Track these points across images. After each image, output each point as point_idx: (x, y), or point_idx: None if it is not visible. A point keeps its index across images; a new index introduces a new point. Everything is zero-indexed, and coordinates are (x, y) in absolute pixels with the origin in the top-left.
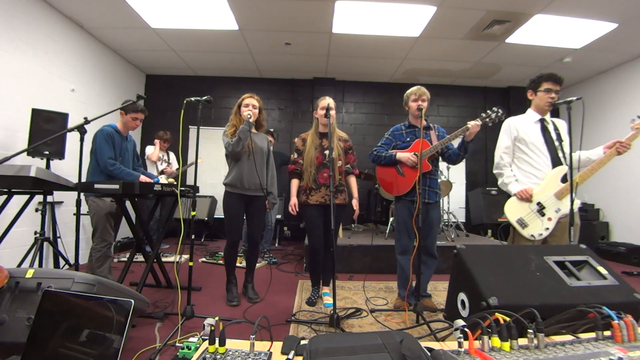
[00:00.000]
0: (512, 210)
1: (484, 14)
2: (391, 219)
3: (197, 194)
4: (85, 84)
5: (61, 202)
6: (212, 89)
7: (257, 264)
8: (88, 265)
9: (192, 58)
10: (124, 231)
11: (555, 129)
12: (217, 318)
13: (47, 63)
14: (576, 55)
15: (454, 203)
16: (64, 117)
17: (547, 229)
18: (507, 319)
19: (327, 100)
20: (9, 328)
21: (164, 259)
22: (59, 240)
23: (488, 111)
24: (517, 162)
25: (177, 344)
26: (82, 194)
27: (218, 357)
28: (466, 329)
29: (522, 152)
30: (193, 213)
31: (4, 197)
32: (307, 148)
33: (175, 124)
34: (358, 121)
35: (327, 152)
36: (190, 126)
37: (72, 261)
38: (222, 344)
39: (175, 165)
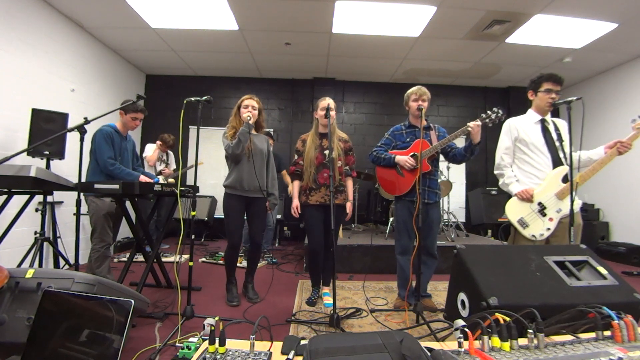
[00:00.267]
0: (513, 211)
1: (484, 14)
2: (391, 219)
3: (197, 194)
4: (85, 84)
5: (61, 202)
6: (212, 89)
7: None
8: (88, 265)
9: (192, 58)
10: (124, 231)
11: (556, 129)
12: (217, 318)
13: (47, 63)
14: (576, 55)
15: (454, 203)
16: (64, 117)
17: (549, 229)
18: (507, 319)
19: (327, 101)
20: (9, 328)
21: (164, 259)
22: (59, 240)
23: (488, 111)
24: (518, 162)
25: (177, 344)
26: (82, 194)
27: (218, 357)
28: (466, 329)
29: (523, 152)
30: (193, 213)
31: (4, 197)
32: (307, 148)
33: (175, 124)
34: (358, 121)
35: (327, 152)
36: (190, 126)
37: (72, 261)
38: (222, 344)
39: (173, 165)
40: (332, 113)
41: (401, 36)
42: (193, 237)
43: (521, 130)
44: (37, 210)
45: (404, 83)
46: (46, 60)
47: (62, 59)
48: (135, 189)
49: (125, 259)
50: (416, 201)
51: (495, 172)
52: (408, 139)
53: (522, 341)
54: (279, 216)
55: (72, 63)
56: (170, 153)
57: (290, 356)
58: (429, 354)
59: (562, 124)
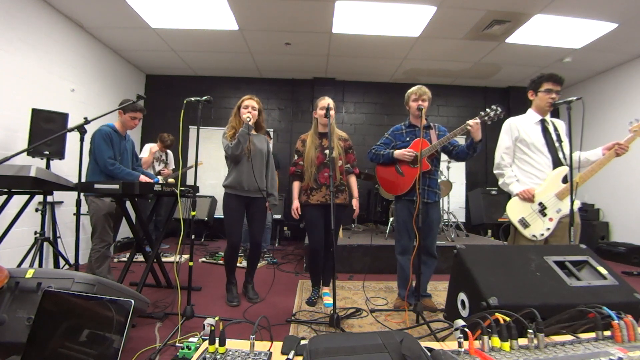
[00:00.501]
0: (514, 211)
1: (484, 14)
2: (391, 219)
3: (197, 194)
4: (85, 84)
5: (61, 202)
6: (212, 89)
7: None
8: (88, 265)
9: (192, 58)
10: (124, 231)
11: (555, 129)
12: (217, 318)
13: (47, 63)
14: (576, 55)
15: (454, 203)
16: (64, 117)
17: (548, 229)
18: (507, 319)
19: (327, 100)
20: (9, 328)
21: (164, 259)
22: (59, 240)
23: (487, 109)
24: (518, 162)
25: (177, 344)
26: (82, 194)
27: (218, 357)
28: (466, 329)
29: (523, 152)
30: (193, 213)
31: (4, 197)
32: (307, 148)
33: (175, 124)
34: (358, 121)
35: (327, 151)
36: (190, 126)
37: (72, 261)
38: (222, 344)
39: (172, 165)
40: (332, 112)
41: (401, 36)
42: (193, 237)
43: (522, 130)
44: (37, 210)
45: (404, 83)
46: (46, 60)
47: (62, 59)
48: (135, 189)
49: (125, 259)
50: (416, 201)
51: (495, 171)
52: (408, 139)
53: (522, 341)
54: (278, 216)
55: (72, 63)
56: (170, 153)
57: (290, 356)
58: (429, 354)
59: (560, 125)
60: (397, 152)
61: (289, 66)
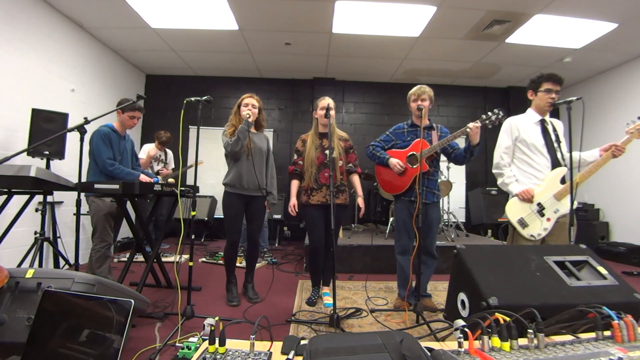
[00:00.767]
0: (513, 211)
1: (484, 14)
2: (391, 219)
3: (197, 194)
4: (85, 84)
5: (61, 202)
6: (212, 89)
7: (257, 264)
8: (88, 265)
9: (192, 58)
10: (124, 231)
11: (554, 130)
12: (217, 318)
13: (47, 63)
14: (576, 55)
15: (454, 203)
16: (64, 117)
17: (546, 229)
18: (507, 319)
19: (327, 101)
20: (9, 328)
21: (164, 259)
22: (59, 240)
23: (489, 112)
24: (517, 162)
25: (177, 344)
26: (82, 194)
27: (218, 357)
28: (466, 329)
29: (523, 152)
30: (193, 213)
31: (4, 197)
32: (307, 148)
33: (175, 124)
34: (358, 121)
35: (327, 152)
36: (190, 126)
37: (72, 261)
38: (222, 344)
39: (172, 165)
40: (332, 112)
41: (401, 36)
42: (193, 237)
43: (522, 130)
44: (37, 210)
45: (404, 83)
46: (46, 60)
47: (62, 59)
48: (135, 189)
49: (125, 259)
50: (415, 201)
51: (494, 171)
52: (409, 138)
53: (522, 341)
54: (279, 216)
55: (72, 63)
56: (169, 152)
57: (290, 356)
58: (429, 354)
59: (559, 125)
60: (391, 161)
61: (289, 66)
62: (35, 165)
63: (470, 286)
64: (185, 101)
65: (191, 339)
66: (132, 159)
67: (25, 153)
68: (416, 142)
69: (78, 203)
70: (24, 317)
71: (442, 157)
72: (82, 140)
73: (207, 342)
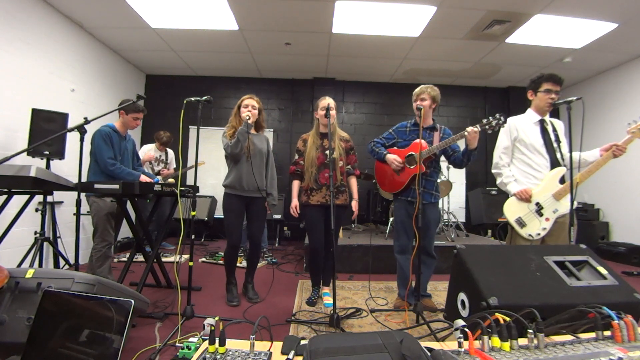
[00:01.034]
0: (511, 210)
1: (484, 14)
2: (391, 219)
3: (197, 194)
4: (85, 84)
5: (61, 202)
6: (212, 89)
7: (257, 264)
8: (88, 265)
9: (192, 58)
10: (124, 231)
11: (554, 130)
12: (217, 318)
13: (47, 63)
14: (576, 55)
15: (454, 203)
16: (64, 117)
17: (545, 228)
18: (507, 319)
19: (327, 100)
20: (9, 328)
21: (164, 259)
22: (59, 240)
23: (490, 117)
24: (516, 162)
25: (177, 344)
26: (83, 194)
27: (218, 357)
28: (466, 329)
29: (521, 152)
30: (193, 213)
31: (4, 197)
32: (307, 148)
33: (175, 124)
34: (358, 121)
35: (327, 152)
36: (190, 126)
37: (72, 261)
38: (222, 344)
39: (173, 165)
40: (333, 112)
41: (401, 36)
42: (193, 237)
43: (521, 130)
44: (37, 210)
45: (404, 83)
46: (46, 60)
47: (62, 59)
48: (135, 189)
49: (125, 259)
50: (412, 201)
51: (493, 171)
52: (410, 138)
53: (522, 341)
54: (278, 216)
55: (72, 63)
56: (170, 152)
57: (290, 356)
58: (429, 354)
59: (559, 125)
60: (389, 157)
61: (289, 66)
62: (35, 165)
63: (470, 286)
64: (185, 101)
65: (191, 339)
66: (133, 159)
67: (25, 153)
68: (416, 142)
69: (78, 203)
70: (24, 317)
71: (443, 157)
72: (82, 140)
73: (207, 342)
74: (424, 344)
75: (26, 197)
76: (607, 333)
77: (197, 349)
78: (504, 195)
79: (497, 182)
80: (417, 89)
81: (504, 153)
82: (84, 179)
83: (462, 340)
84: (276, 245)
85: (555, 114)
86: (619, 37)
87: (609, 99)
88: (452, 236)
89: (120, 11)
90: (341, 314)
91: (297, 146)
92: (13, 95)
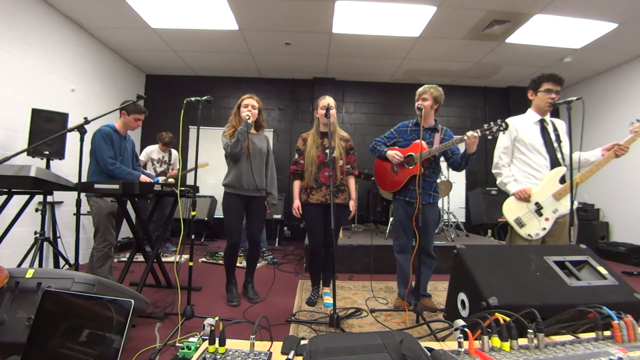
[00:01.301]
0: (510, 210)
1: (484, 14)
2: (391, 219)
3: (197, 194)
4: (85, 84)
5: (61, 202)
6: (212, 89)
7: (257, 264)
8: (88, 265)
9: (192, 58)
10: (124, 231)
11: (555, 129)
12: (217, 318)
13: (47, 63)
14: (576, 55)
15: (454, 203)
16: (64, 117)
17: (544, 229)
18: (507, 319)
19: (327, 100)
20: (9, 328)
21: (164, 259)
22: (59, 240)
23: (491, 123)
24: (516, 162)
25: (177, 344)
26: (83, 194)
27: (218, 357)
28: (466, 329)
29: (521, 152)
30: (193, 213)
31: (4, 197)
32: (308, 147)
33: (175, 124)
34: (358, 121)
35: (328, 151)
36: (190, 126)
37: (72, 261)
38: (222, 344)
39: (177, 165)
40: (333, 112)
41: (401, 36)
42: (193, 237)
43: (520, 130)
44: (37, 210)
45: (404, 83)
46: (46, 60)
47: (62, 59)
48: (135, 189)
49: (125, 259)
50: (410, 201)
51: (493, 171)
52: (410, 137)
53: (522, 341)
54: (279, 216)
55: (72, 63)
56: (174, 152)
57: (290, 356)
58: (429, 354)
59: (560, 125)
60: (389, 153)
61: (289, 66)
62: (35, 165)
63: (470, 286)
64: (185, 101)
65: (191, 339)
66: (133, 159)
67: (25, 153)
68: (416, 143)
69: (78, 203)
70: (24, 317)
71: (442, 158)
72: (82, 140)
73: (207, 342)
74: (424, 344)
75: (26, 197)
76: (607, 333)
77: (197, 349)
78: (504, 195)
79: (497, 182)
80: (420, 89)
81: (504, 153)
82: (84, 179)
83: (462, 340)
84: (276, 245)
85: (555, 114)
86: (619, 37)
87: (609, 99)
88: (452, 236)
89: (120, 11)
90: (341, 314)
91: (297, 145)
92: (13, 95)
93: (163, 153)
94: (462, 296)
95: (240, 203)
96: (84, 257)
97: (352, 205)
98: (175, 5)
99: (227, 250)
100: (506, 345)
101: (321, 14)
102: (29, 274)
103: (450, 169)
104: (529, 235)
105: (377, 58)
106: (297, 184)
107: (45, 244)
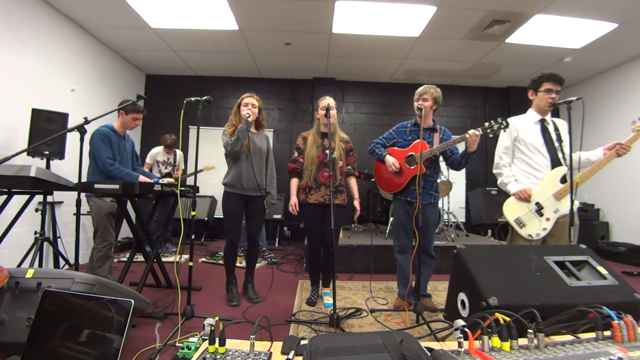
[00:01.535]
0: (511, 210)
1: (484, 14)
2: (391, 219)
3: (197, 194)
4: (85, 84)
5: (61, 202)
6: (212, 89)
7: (257, 264)
8: (89, 264)
9: (192, 58)
10: (124, 231)
11: (556, 129)
12: (217, 318)
13: (47, 63)
14: (576, 55)
15: (454, 203)
16: (64, 117)
17: (545, 229)
18: (507, 319)
19: (327, 100)
20: (9, 328)
21: (164, 259)
22: (59, 240)
23: (492, 121)
24: (517, 162)
25: (177, 344)
26: (83, 194)
27: (218, 357)
28: (466, 329)
29: (522, 152)
30: (193, 213)
31: (4, 197)
32: (307, 147)
33: (175, 124)
34: (358, 121)
35: (327, 151)
36: (190, 126)
37: (72, 261)
38: (222, 344)
39: (182, 166)
40: (333, 112)
41: (401, 36)
42: (193, 237)
43: (520, 130)
44: (37, 210)
45: (404, 83)
46: (46, 60)
47: (62, 59)
48: (135, 189)
49: (125, 259)
50: (411, 201)
51: (494, 171)
52: (410, 138)
53: (522, 341)
54: (278, 216)
55: (72, 63)
56: (178, 153)
57: (290, 356)
58: (429, 354)
59: (562, 124)
60: (387, 159)
61: (289, 66)
62: (35, 165)
63: (470, 286)
64: (185, 101)
65: (191, 339)
66: (133, 159)
67: (25, 153)
68: (416, 143)
69: (78, 203)
70: (24, 317)
71: (441, 158)
72: (82, 140)
73: (207, 342)
74: (424, 344)
75: (26, 197)
76: (607, 333)
77: (197, 349)
78: (504, 195)
79: (498, 182)
80: (421, 89)
81: (505, 153)
82: (84, 179)
83: (462, 340)
84: (276, 245)
85: (555, 114)
86: (619, 37)
87: (609, 99)
88: (452, 236)
89: (120, 11)
90: (341, 314)
91: (297, 144)
92: (13, 95)
93: (168, 155)
94: (462, 296)
95: (240, 202)
96: (84, 257)
97: (357, 204)
98: (175, 5)
99: (226, 249)
100: (506, 345)
101: (321, 14)
102: (29, 274)
103: (449, 169)
104: (530, 235)
105: (377, 58)
106: (294, 182)
107: (45, 244)
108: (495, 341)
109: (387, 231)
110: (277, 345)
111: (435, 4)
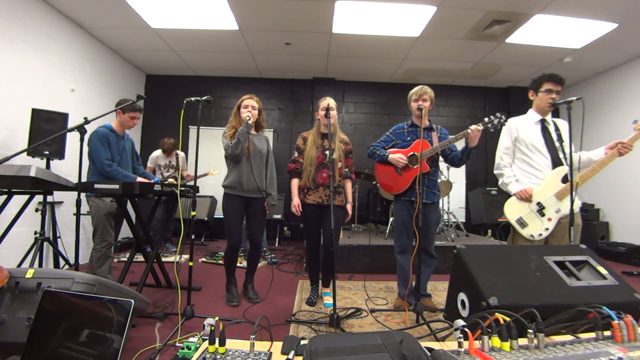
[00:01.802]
0: (512, 210)
1: (484, 14)
2: (391, 219)
3: (197, 194)
4: (85, 84)
5: (61, 202)
6: (212, 89)
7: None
8: (89, 265)
9: (192, 58)
10: (124, 231)
11: (557, 129)
12: (217, 318)
13: (47, 63)
14: (576, 55)
15: (454, 203)
16: (64, 117)
17: (547, 229)
18: (507, 319)
19: (328, 101)
20: (9, 328)
21: (164, 259)
22: (59, 240)
23: (491, 116)
24: (518, 162)
25: (177, 344)
26: (82, 194)
27: (218, 357)
28: (466, 329)
29: (522, 152)
30: (193, 213)
31: (4, 197)
32: (307, 147)
33: (175, 124)
34: (358, 121)
35: (327, 152)
36: (190, 126)
37: (72, 261)
38: (222, 344)
39: (185, 166)
40: (333, 112)
41: (401, 36)
42: (193, 237)
43: (521, 130)
44: (37, 210)
45: (404, 83)
46: (46, 60)
47: (62, 59)
48: (135, 189)
49: (125, 259)
50: (415, 202)
51: (495, 171)
52: (409, 138)
53: (522, 341)
54: (278, 216)
55: (72, 63)
56: (180, 155)
57: (290, 356)
58: (429, 354)
59: (562, 124)
60: (392, 157)
61: (289, 66)
62: (35, 165)
63: (470, 286)
64: (185, 101)
65: (191, 339)
66: (133, 158)
67: (25, 153)
68: (417, 142)
69: (78, 203)
70: (24, 317)
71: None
72: (82, 140)
73: (207, 342)
74: (424, 344)
75: (26, 197)
76: (607, 333)
77: (197, 349)
78: (504, 195)
79: (499, 183)
80: (417, 89)
81: (505, 153)
82: (84, 179)
83: (462, 340)
84: (276, 245)
85: (555, 114)
86: (619, 37)
87: (609, 99)
88: (452, 236)
89: (120, 11)
90: (341, 314)
91: (297, 143)
92: (13, 95)
93: (169, 158)
94: (462, 296)
95: (241, 204)
96: (84, 257)
97: (350, 208)
98: (175, 5)
99: (227, 252)
100: (506, 345)
101: (321, 14)
102: (29, 274)
103: (451, 167)
104: (531, 235)
105: (377, 58)
106: (295, 182)
107: (45, 244)
108: (495, 341)
109: (387, 231)
110: (277, 345)
111: (435, 4)
